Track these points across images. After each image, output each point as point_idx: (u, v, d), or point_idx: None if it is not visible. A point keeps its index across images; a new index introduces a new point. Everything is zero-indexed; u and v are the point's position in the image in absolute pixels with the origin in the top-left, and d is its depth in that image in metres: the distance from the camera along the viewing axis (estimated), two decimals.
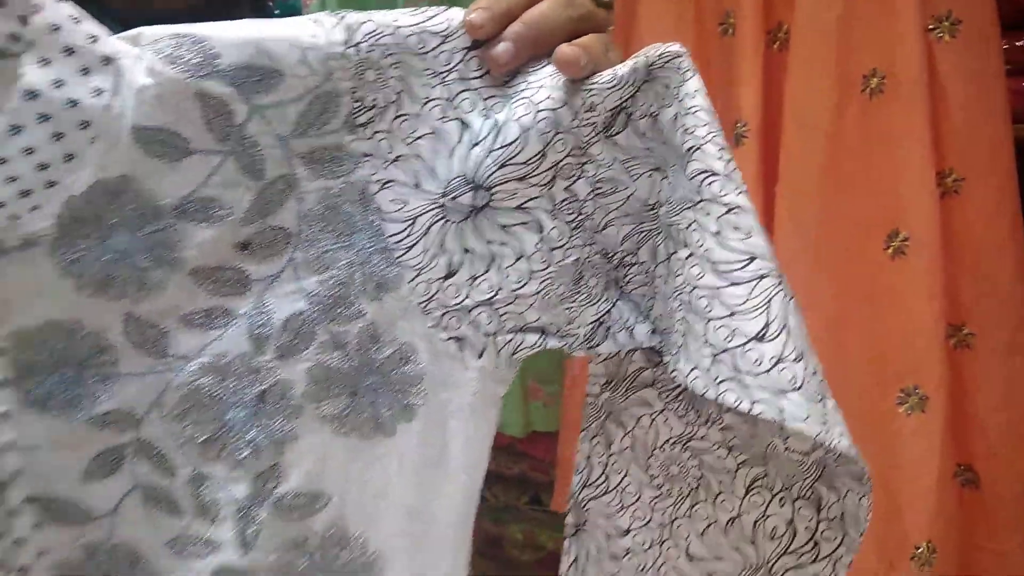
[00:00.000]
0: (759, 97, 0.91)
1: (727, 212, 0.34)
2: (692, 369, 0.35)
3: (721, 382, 0.34)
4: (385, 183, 0.38)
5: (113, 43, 0.34)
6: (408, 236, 0.38)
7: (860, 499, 0.37)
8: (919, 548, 0.82)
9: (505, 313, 0.38)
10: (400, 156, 0.38)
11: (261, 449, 0.38)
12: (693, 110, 0.34)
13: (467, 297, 0.38)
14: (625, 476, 0.44)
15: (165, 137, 0.35)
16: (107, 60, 0.34)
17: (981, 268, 0.83)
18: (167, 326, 0.37)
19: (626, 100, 0.36)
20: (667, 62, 0.34)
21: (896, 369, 0.84)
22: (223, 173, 0.36)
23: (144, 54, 0.35)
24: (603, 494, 0.45)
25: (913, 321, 0.83)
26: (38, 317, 0.36)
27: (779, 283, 0.34)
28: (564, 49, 0.34)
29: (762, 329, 0.33)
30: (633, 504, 0.44)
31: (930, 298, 0.82)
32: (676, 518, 0.43)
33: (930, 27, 0.83)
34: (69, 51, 0.34)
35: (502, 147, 0.36)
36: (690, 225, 0.35)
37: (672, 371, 0.36)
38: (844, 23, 0.86)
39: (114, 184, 0.35)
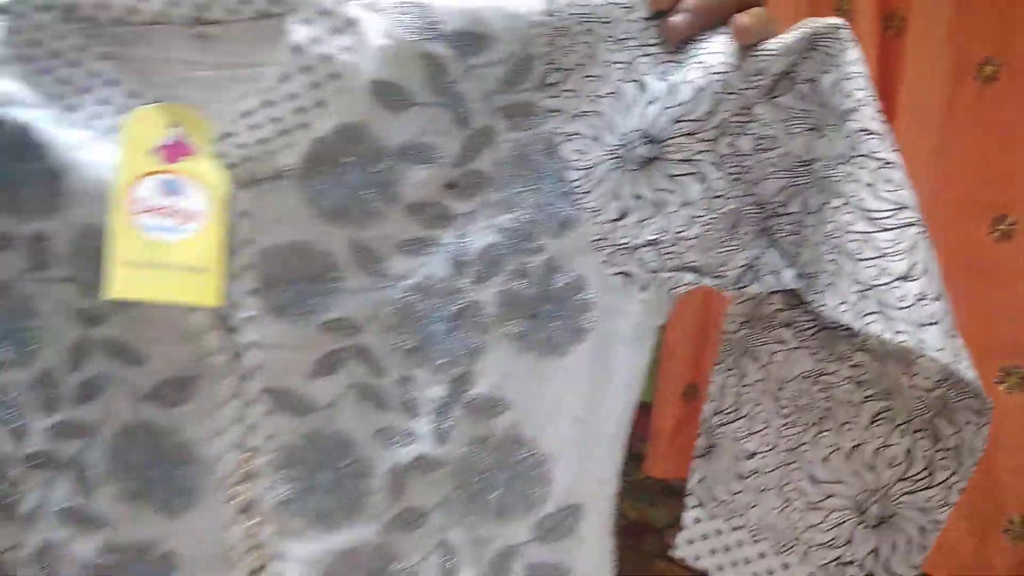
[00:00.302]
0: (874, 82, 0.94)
1: (881, 167, 0.39)
2: (840, 304, 0.40)
3: (867, 315, 0.39)
4: (569, 136, 0.44)
5: (355, 8, 0.42)
6: (587, 182, 0.44)
7: (979, 428, 0.42)
8: (1013, 521, 0.85)
9: (668, 253, 0.45)
10: (584, 112, 0.44)
11: (457, 358, 0.45)
12: (852, 76, 0.39)
13: (635, 238, 0.45)
14: (756, 406, 0.50)
15: (394, 90, 0.42)
16: (352, 22, 0.42)
17: None
18: (385, 251, 0.44)
19: (791, 66, 0.41)
20: (830, 33, 0.40)
21: (997, 348, 0.86)
22: (438, 123, 0.43)
23: (381, 18, 0.42)
24: (733, 421, 0.51)
25: (1016, 303, 0.86)
26: (282, 238, 0.44)
27: (923, 232, 0.39)
28: (741, 18, 0.40)
29: (908, 270, 0.39)
30: (761, 431, 0.50)
31: None
32: (802, 444, 0.49)
33: None
34: (325, 13, 0.41)
35: (676, 106, 0.42)
36: (845, 178, 0.40)
37: (820, 307, 0.42)
38: (959, 11, 0.88)
39: (351, 128, 0.43)
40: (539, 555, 0.48)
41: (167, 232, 0.42)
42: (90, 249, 0.41)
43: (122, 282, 0.41)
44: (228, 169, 0.42)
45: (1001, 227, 0.87)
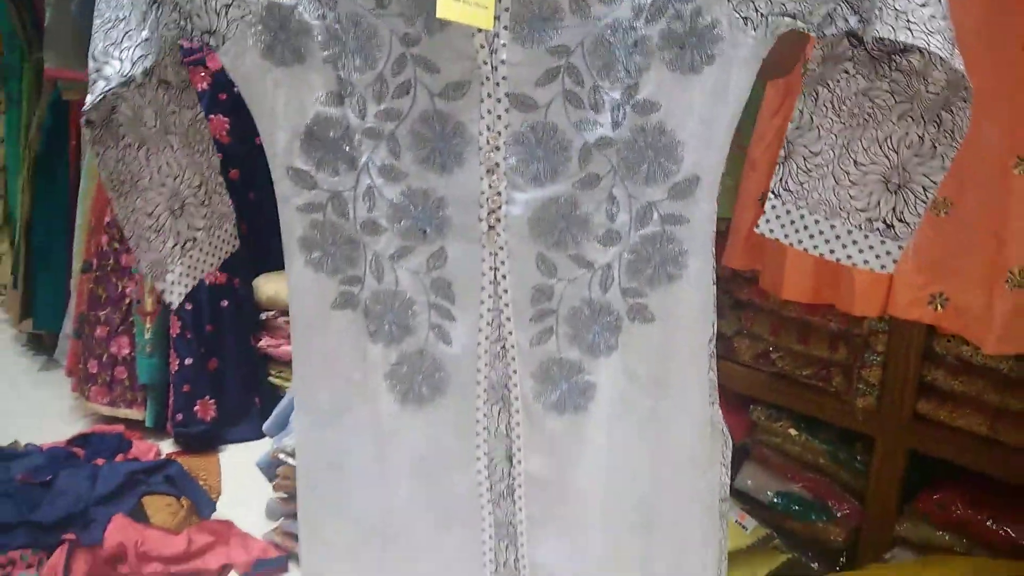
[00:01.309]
0: None
1: None
2: (885, 27, 0.66)
3: (899, 30, 0.65)
4: None
5: None
6: None
7: (964, 110, 0.68)
8: (1013, 272, 1.11)
9: (773, 2, 0.70)
10: None
11: (630, 73, 0.72)
12: None
13: None
14: (824, 118, 0.76)
15: None
16: None
17: None
18: (591, 1, 0.71)
19: None
20: None
21: (1014, 139, 1.10)
22: None
23: None
24: (807, 131, 0.77)
25: None
26: None
27: None
28: None
29: (925, 1, 0.64)
30: (825, 135, 0.76)
31: None
32: (851, 140, 0.75)
33: None
34: None
35: None
36: None
37: (872, 37, 0.67)
38: None
39: None
40: (670, 208, 0.76)
41: None
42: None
43: (443, 8, 0.68)
44: None
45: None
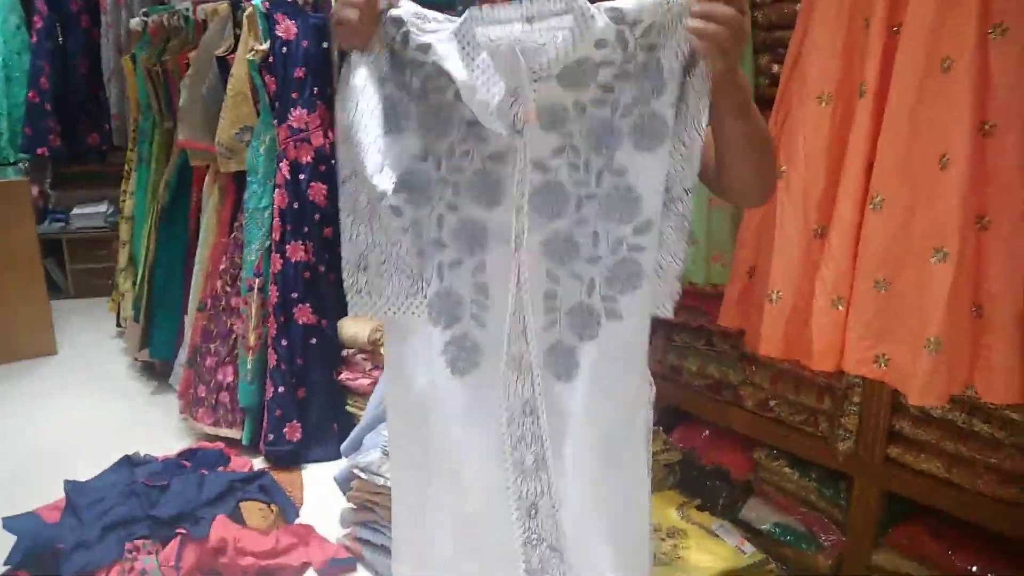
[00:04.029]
0: (878, 68, 1.47)
1: None
2: None
3: None
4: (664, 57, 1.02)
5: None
6: (668, 77, 1.03)
7: None
8: (930, 338, 1.39)
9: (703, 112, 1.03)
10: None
11: (609, 149, 1.05)
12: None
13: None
14: None
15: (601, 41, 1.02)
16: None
17: (1001, 184, 1.36)
18: (585, 104, 1.05)
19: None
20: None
21: (934, 235, 1.39)
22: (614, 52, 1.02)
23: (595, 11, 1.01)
24: None
25: (953, 210, 1.38)
26: (544, 101, 1.04)
27: None
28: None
29: None
30: None
31: (962, 197, 1.36)
32: None
33: (988, 31, 1.35)
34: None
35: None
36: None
37: None
38: (932, 28, 1.39)
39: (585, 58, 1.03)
40: (633, 240, 1.07)
41: None
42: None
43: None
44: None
45: (943, 161, 1.39)
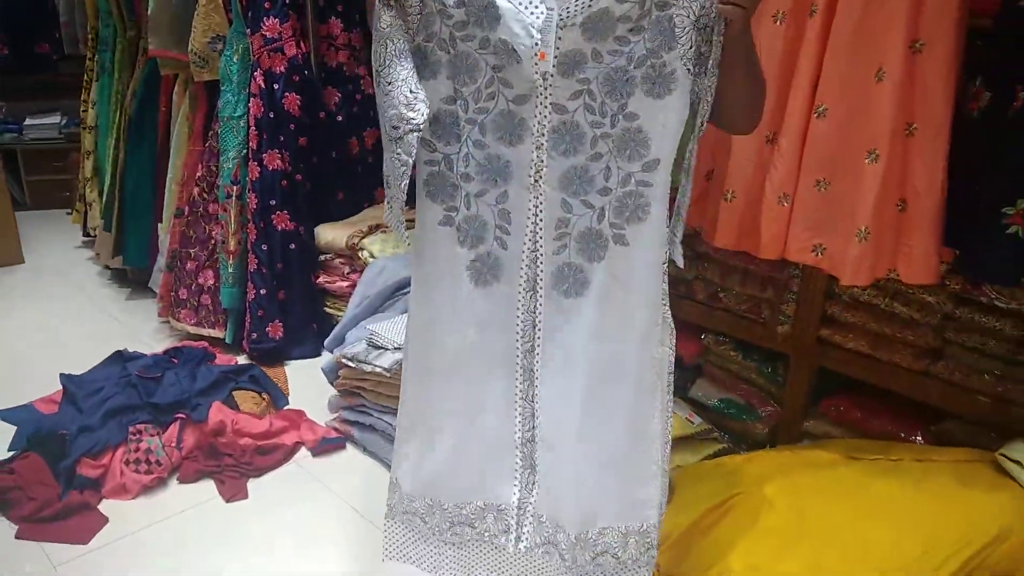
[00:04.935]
0: None
1: None
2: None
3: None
4: (677, 14, 1.16)
5: None
6: (681, 33, 1.18)
7: None
8: (860, 228, 1.64)
9: (701, 62, 1.22)
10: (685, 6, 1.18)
11: (623, 95, 1.20)
12: None
13: (694, 55, 1.21)
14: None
15: None
16: None
17: (931, 94, 1.58)
18: (603, 53, 1.20)
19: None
20: None
21: (868, 139, 1.62)
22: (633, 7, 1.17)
23: None
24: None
25: (885, 118, 1.60)
26: (569, 46, 1.19)
27: None
28: None
29: None
30: None
31: (894, 107, 1.58)
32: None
33: (910, 45, 1.56)
34: None
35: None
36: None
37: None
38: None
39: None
40: (641, 176, 1.25)
41: None
42: (501, 46, 1.18)
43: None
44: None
45: (880, 74, 1.61)
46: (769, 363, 2.21)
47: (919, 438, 1.93)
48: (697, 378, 2.37)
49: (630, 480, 1.39)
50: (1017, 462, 1.65)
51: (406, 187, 1.26)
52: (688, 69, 1.21)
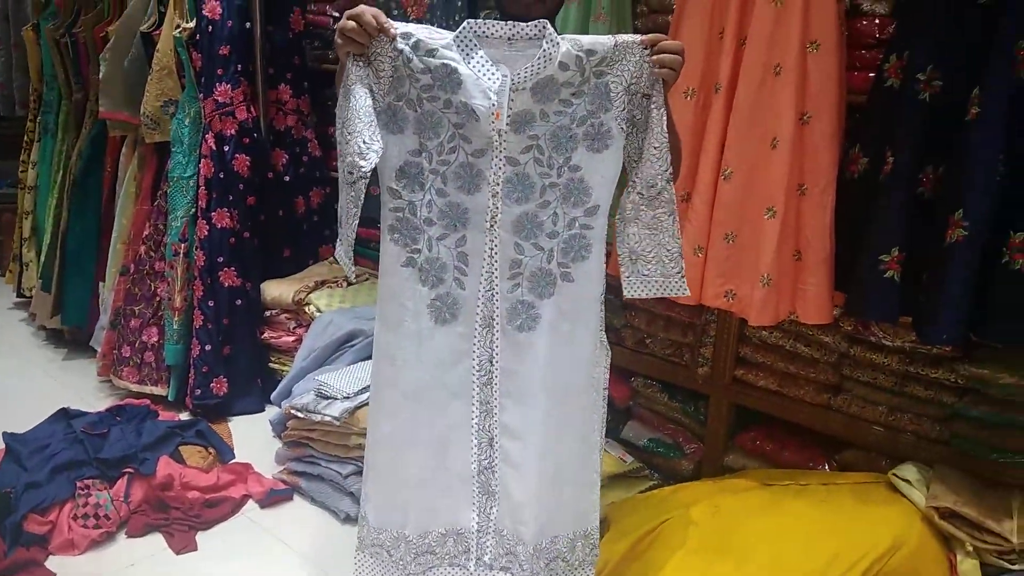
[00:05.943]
0: (729, 70, 1.91)
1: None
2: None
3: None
4: (612, 82, 1.37)
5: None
6: (616, 98, 1.38)
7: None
8: (764, 275, 1.86)
9: (635, 123, 1.42)
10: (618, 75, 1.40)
11: (567, 150, 1.41)
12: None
13: (626, 115, 1.41)
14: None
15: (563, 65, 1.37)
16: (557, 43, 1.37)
17: (818, 159, 1.83)
18: (549, 113, 1.41)
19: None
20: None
21: (767, 198, 1.86)
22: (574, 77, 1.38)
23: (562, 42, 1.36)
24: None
25: (776, 180, 1.84)
26: (520, 107, 1.39)
27: None
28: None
29: None
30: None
31: (787, 170, 1.83)
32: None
33: (807, 46, 1.82)
34: (552, 39, 1.37)
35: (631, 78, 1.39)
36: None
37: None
38: (768, 42, 1.84)
39: (549, 78, 1.39)
40: (584, 221, 1.43)
41: None
42: (462, 107, 1.35)
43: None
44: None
45: (775, 143, 1.86)
46: (692, 403, 2.40)
47: (825, 466, 2.13)
48: (628, 420, 2.54)
49: (579, 490, 1.54)
50: (907, 480, 1.86)
51: (356, 226, 1.40)
52: (622, 128, 1.41)
